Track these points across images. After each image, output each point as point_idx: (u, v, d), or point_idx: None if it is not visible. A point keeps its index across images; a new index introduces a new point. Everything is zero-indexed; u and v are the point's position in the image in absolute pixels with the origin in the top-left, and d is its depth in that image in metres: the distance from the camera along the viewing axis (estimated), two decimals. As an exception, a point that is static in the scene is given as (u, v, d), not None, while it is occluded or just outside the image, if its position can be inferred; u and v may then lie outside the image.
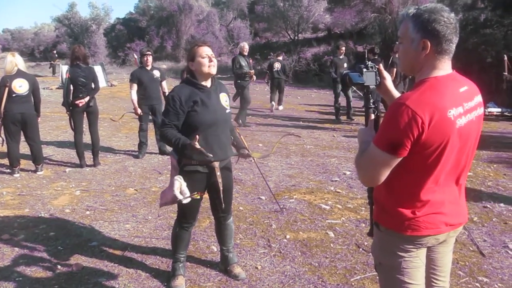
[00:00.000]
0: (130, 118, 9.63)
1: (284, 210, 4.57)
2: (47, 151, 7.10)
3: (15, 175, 5.89)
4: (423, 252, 1.81)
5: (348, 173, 5.90)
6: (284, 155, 6.92)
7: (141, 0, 38.68)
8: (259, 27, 30.37)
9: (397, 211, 1.73)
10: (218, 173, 3.01)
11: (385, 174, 1.66)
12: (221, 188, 3.03)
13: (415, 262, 1.77)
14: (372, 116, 1.84)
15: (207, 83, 2.95)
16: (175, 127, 2.86)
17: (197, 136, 2.70)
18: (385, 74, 1.94)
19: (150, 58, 6.82)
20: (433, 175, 1.67)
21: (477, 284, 3.16)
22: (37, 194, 5.19)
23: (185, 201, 2.81)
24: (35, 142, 6.03)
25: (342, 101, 10.54)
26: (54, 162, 6.64)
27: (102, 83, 18.62)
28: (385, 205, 1.78)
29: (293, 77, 19.85)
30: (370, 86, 1.90)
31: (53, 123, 9.98)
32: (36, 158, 6.05)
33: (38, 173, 6.01)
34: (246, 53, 9.38)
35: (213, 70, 2.91)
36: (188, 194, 2.82)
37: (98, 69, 18.72)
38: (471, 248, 3.71)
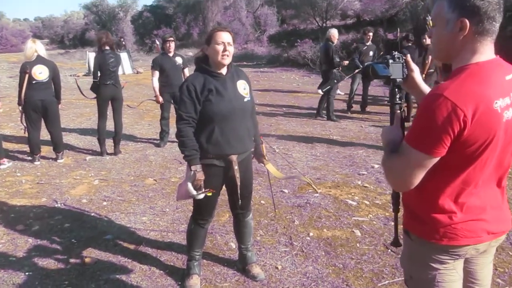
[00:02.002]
0: (154, 106, 9.51)
1: (308, 205, 4.34)
2: (69, 138, 7.04)
3: (35, 163, 5.84)
4: (460, 264, 1.57)
5: (376, 166, 5.60)
6: (309, 146, 6.66)
7: (168, -13, 38.59)
8: (286, 14, 29.78)
9: (430, 217, 1.49)
10: (236, 167, 2.80)
11: (419, 177, 1.43)
12: (239, 184, 2.82)
13: (451, 275, 1.54)
14: (398, 113, 1.60)
15: (222, 70, 2.71)
16: (193, 121, 2.65)
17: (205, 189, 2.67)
18: (413, 66, 1.68)
19: (172, 44, 6.62)
20: (473, 176, 1.43)
21: (519, 294, 2.88)
22: (55, 183, 5.11)
23: (198, 197, 2.62)
24: (56, 130, 5.96)
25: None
26: (75, 150, 6.57)
27: (127, 70, 18.69)
28: (417, 210, 1.54)
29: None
30: (397, 80, 1.65)
31: (78, 110, 9.97)
32: (57, 145, 5.98)
33: (58, 161, 5.94)
34: (335, 41, 8.80)
35: (226, 61, 2.66)
36: (203, 189, 2.63)
37: (124, 56, 18.77)
38: (511, 253, 3.40)
